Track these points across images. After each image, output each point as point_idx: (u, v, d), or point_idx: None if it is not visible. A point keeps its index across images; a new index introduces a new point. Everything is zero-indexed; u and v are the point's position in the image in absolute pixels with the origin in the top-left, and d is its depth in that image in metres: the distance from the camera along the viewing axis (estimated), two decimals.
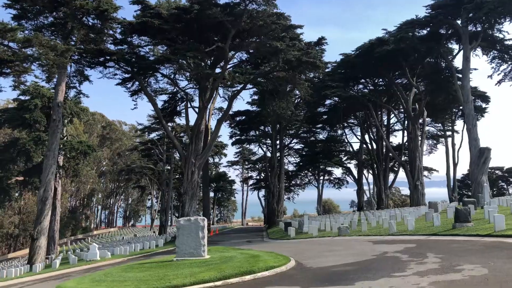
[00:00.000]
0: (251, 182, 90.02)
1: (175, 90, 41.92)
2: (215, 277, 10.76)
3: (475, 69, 45.68)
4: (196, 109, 38.20)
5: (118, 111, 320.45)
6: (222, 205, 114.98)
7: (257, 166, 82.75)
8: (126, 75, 36.10)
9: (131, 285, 10.61)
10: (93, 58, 33.87)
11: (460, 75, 40.30)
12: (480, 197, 29.70)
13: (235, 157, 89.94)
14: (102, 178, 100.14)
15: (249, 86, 41.83)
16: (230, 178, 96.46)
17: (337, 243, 19.40)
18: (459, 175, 69.29)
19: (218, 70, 38.02)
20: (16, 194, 64.54)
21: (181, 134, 65.85)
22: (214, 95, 40.42)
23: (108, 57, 32.57)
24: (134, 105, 38.10)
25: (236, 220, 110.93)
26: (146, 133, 78.60)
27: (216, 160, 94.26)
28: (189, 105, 40.73)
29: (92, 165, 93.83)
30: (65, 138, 53.85)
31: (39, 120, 49.28)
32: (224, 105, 44.47)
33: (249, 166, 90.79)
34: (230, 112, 55.01)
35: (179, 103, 42.86)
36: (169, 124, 68.58)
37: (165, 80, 41.41)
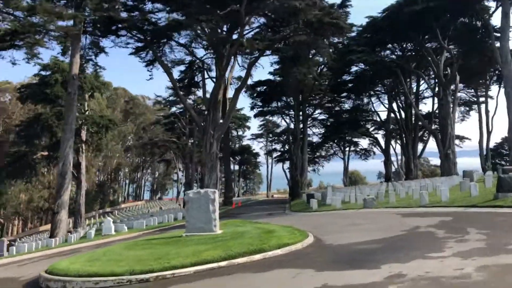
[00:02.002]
0: (275, 154, 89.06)
1: (192, 59, 40.27)
2: (220, 256, 9.44)
3: None
4: (214, 79, 36.59)
5: (141, 86, 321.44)
6: (248, 178, 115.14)
7: (281, 139, 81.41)
8: (139, 44, 34.69)
9: (125, 265, 9.43)
10: (105, 27, 32.45)
11: (498, 34, 37.09)
12: None
13: (259, 130, 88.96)
14: (128, 152, 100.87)
15: (268, 53, 39.85)
16: (254, 151, 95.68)
17: (362, 216, 17.81)
18: (492, 144, 65.87)
19: (236, 37, 36.06)
20: (45, 170, 65.60)
21: (203, 107, 64.84)
22: (232, 63, 38.72)
23: (120, 25, 31.00)
24: (150, 75, 36.80)
25: (261, 192, 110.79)
26: (168, 106, 77.95)
27: (240, 133, 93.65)
28: (206, 76, 39.32)
29: (117, 140, 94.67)
30: (86, 113, 53.61)
31: (60, 95, 49.02)
32: (243, 74, 42.60)
33: (273, 139, 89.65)
34: (250, 82, 53.24)
35: (197, 73, 41.32)
36: (190, 97, 67.59)
37: (182, 50, 39.80)
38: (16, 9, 24.83)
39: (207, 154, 33.77)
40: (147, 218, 32.37)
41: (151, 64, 36.56)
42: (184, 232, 14.46)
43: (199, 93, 58.82)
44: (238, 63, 42.05)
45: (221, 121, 35.20)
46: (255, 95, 57.18)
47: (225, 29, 35.53)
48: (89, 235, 24.97)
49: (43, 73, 52.31)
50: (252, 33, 39.18)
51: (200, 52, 73.47)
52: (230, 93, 43.63)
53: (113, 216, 63.98)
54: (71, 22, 34.85)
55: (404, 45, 51.82)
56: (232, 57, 41.17)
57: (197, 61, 39.38)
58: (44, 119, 50.54)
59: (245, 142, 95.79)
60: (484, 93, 59.56)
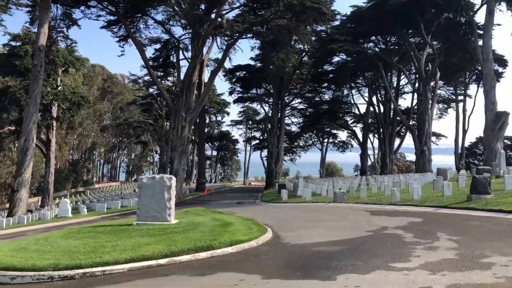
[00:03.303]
0: (254, 142, 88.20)
1: (168, 38, 38.49)
2: (161, 252, 8.29)
3: (498, 24, 41.35)
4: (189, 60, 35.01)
5: (121, 65, 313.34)
6: (226, 164, 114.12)
7: (261, 126, 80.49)
8: (112, 18, 32.78)
9: (51, 258, 8.19)
10: None
11: (481, 32, 36.60)
12: (495, 165, 26.95)
13: (239, 117, 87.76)
14: (104, 132, 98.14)
15: (249, 36, 38.41)
16: (233, 137, 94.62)
17: (329, 210, 16.91)
18: (466, 143, 66.33)
19: (214, 17, 34.45)
20: (13, 145, 63.00)
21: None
22: (210, 44, 37.11)
23: None
24: (122, 51, 35.36)
25: (239, 179, 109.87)
26: (146, 87, 75.77)
27: (219, 118, 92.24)
28: (183, 56, 37.53)
29: (93, 118, 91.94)
30: (59, 88, 51.28)
31: (30, 68, 46.68)
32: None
33: (252, 126, 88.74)
34: (230, 66, 51.73)
35: (172, 53, 39.55)
36: (169, 78, 65.60)
37: (159, 27, 37.94)
38: None
39: (178, 138, 32.37)
40: (114, 201, 30.99)
41: (124, 40, 34.70)
42: (136, 220, 13.27)
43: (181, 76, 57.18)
44: (217, 45, 40.57)
45: (194, 104, 33.73)
46: (234, 80, 55.72)
47: (203, 7, 33.86)
48: (44, 217, 23.47)
49: (13, 43, 49.75)
50: (232, 14, 37.68)
51: (178, 32, 71.22)
52: (207, 76, 42.20)
53: (85, 196, 62.10)
54: None
55: (388, 38, 51.15)
56: (211, 38, 39.58)
57: (173, 40, 37.62)
58: (12, 92, 48.16)
59: (224, 128, 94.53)
60: (462, 92, 59.67)
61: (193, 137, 66.52)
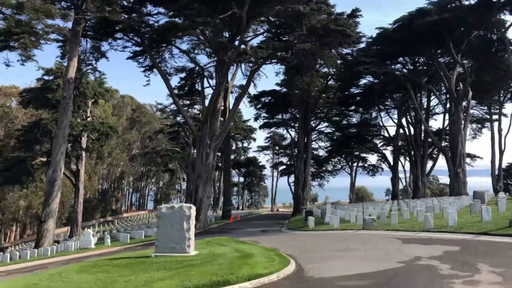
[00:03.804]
0: (281, 167, 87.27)
1: (193, 66, 38.91)
2: None
3: None
4: (214, 87, 35.13)
5: (149, 95, 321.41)
6: (253, 191, 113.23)
7: (288, 151, 79.67)
8: (137, 48, 33.43)
9: None
10: (101, 28, 31.26)
11: None
12: None
13: (266, 142, 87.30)
14: (133, 161, 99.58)
15: (273, 62, 38.40)
16: (260, 163, 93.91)
17: (358, 239, 15.96)
18: (504, 164, 63.33)
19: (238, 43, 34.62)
20: (45, 176, 64.51)
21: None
22: (234, 71, 37.22)
23: (116, 27, 29.66)
24: (147, 81, 35.57)
25: (267, 206, 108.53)
26: (173, 115, 76.76)
27: (245, 144, 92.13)
28: (207, 84, 37.76)
29: (122, 148, 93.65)
30: (88, 119, 52.58)
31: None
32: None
33: (279, 151, 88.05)
34: (255, 92, 51.74)
35: (197, 81, 39.86)
36: (195, 106, 66.30)
37: (184, 57, 38.40)
38: (3, 6, 23.62)
39: (202, 165, 32.13)
40: (139, 230, 30.76)
41: (149, 70, 35.25)
42: (154, 252, 12.80)
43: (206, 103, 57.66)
44: (242, 71, 40.65)
45: (218, 130, 33.57)
46: (259, 106, 55.61)
47: (227, 35, 34.16)
48: (67, 248, 23.35)
49: (46, 77, 51.60)
50: (257, 41, 37.80)
51: (203, 60, 72.29)
52: (232, 103, 42.18)
53: (113, 226, 62.52)
54: (69, 24, 33.90)
55: (416, 59, 50.13)
56: (235, 65, 39.75)
57: (198, 68, 37.98)
58: (44, 124, 49.60)
59: (251, 154, 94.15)
60: (497, 111, 57.44)
61: (219, 164, 66.44)
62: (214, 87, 34.33)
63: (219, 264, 10.11)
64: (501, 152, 57.28)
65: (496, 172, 57.37)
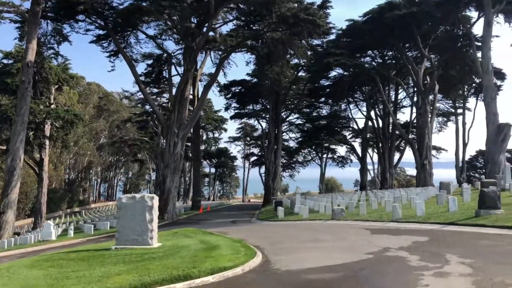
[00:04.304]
0: (252, 158, 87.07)
1: (160, 53, 37.74)
2: (130, 285, 7.18)
3: (496, 36, 40.49)
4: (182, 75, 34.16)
5: (118, 83, 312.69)
6: (224, 181, 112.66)
7: (259, 143, 79.46)
8: (101, 32, 32.01)
9: None
10: (61, 9, 29.69)
11: (480, 44, 35.95)
12: (499, 179, 25.89)
13: (237, 133, 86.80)
14: (101, 151, 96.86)
15: (243, 51, 37.73)
16: (231, 154, 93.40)
17: (327, 229, 15.76)
18: (467, 157, 65.30)
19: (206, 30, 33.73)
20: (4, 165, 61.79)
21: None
22: (203, 59, 36.36)
23: (78, 9, 28.10)
24: (112, 67, 34.13)
25: (238, 196, 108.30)
26: (141, 104, 74.90)
27: (216, 135, 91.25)
28: (176, 72, 36.75)
29: (89, 137, 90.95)
30: (52, 106, 50.48)
31: None
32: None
33: (250, 142, 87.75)
34: (225, 82, 50.99)
35: (165, 68, 38.71)
36: (165, 95, 64.88)
37: (151, 42, 37.09)
38: None
39: (170, 155, 31.29)
40: (104, 221, 29.72)
41: (114, 55, 33.86)
42: (115, 244, 12.15)
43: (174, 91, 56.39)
44: (211, 59, 39.79)
45: (187, 120, 32.73)
46: (229, 95, 54.93)
47: (196, 21, 33.19)
48: (25, 241, 22.20)
49: (5, 61, 49.12)
50: (226, 28, 37.05)
51: (171, 46, 70.43)
52: (201, 91, 41.24)
53: (80, 217, 60.62)
54: (27, 4, 32.02)
55: (385, 53, 50.62)
56: (204, 53, 38.85)
57: (166, 54, 36.86)
58: (3, 110, 47.24)
59: (222, 145, 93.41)
60: (461, 105, 58.96)
61: (189, 154, 65.42)
62: (182, 75, 33.35)
63: (181, 257, 9.59)
64: (465, 145, 58.99)
65: (460, 165, 59.06)
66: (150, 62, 40.55)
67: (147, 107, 70.51)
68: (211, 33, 32.80)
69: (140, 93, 55.20)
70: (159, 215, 31.55)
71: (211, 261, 8.85)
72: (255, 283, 7.32)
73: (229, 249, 10.67)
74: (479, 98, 54.39)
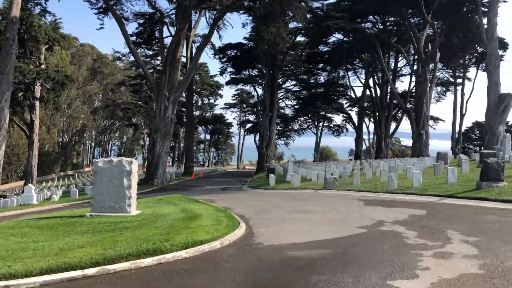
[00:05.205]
0: (248, 125, 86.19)
1: (152, 12, 35.94)
2: (91, 259, 6.33)
3: (504, 1, 38.31)
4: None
5: (113, 44, 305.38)
6: (220, 148, 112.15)
7: (255, 109, 78.35)
8: None
9: None
10: None
11: (486, 9, 34.42)
12: (498, 150, 25.14)
13: (233, 99, 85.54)
14: (95, 114, 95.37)
15: (240, 12, 36.03)
16: (227, 121, 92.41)
17: (318, 199, 15.00)
18: (463, 128, 64.61)
19: None
20: None
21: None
22: (197, 19, 34.63)
23: None
24: (101, 25, 32.60)
25: (233, 163, 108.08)
26: (135, 67, 72.96)
27: (212, 101, 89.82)
28: (169, 33, 35.05)
29: (82, 100, 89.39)
30: (42, 66, 48.85)
31: None
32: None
33: (246, 109, 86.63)
34: (221, 45, 49.24)
35: (157, 28, 37.01)
36: (159, 58, 63.01)
37: (142, 1, 35.37)
38: None
39: (160, 119, 30.26)
40: (89, 186, 28.94)
41: (103, 13, 32.19)
42: (90, 211, 11.33)
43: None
44: (206, 20, 38.02)
45: (178, 82, 31.44)
46: (225, 59, 53.27)
47: None
48: (6, 204, 21.43)
49: None
50: None
51: (164, 5, 67.22)
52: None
53: (73, 180, 60.09)
54: None
55: (386, 19, 48.85)
56: (198, 13, 37.08)
57: (158, 13, 35.11)
58: None
59: (218, 111, 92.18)
60: (461, 74, 57.67)
61: (184, 119, 64.26)
62: (174, 35, 31.81)
63: (156, 227, 8.75)
64: (462, 116, 58.17)
65: (456, 136, 58.40)
66: (141, 21, 38.82)
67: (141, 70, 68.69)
68: None
69: (129, 54, 53.41)
70: (148, 180, 30.97)
71: (187, 232, 8.00)
72: (232, 261, 6.49)
73: (210, 219, 9.86)
74: (480, 68, 53.11)
